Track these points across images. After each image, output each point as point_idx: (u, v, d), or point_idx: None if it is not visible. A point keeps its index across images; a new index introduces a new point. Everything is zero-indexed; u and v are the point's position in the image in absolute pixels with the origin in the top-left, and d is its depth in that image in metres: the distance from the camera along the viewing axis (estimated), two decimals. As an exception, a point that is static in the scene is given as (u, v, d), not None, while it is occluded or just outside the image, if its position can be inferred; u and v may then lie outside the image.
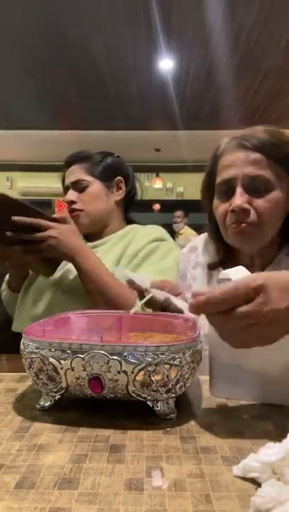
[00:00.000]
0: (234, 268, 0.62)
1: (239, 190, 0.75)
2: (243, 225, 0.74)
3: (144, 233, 1.05)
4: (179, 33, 3.02)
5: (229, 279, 0.57)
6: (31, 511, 0.32)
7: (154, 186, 6.17)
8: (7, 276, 1.12)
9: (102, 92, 4.03)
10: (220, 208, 0.79)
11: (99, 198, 1.06)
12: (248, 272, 0.62)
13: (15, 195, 1.08)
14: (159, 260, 0.98)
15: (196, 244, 0.99)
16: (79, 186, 1.05)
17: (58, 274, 0.98)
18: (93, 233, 1.09)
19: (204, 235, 1.00)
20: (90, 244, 1.05)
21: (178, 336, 0.63)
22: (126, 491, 0.35)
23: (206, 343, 0.58)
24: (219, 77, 3.68)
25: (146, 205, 6.41)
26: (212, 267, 0.91)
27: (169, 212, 6.24)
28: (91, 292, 0.88)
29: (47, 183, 6.65)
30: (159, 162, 5.95)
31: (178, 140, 5.22)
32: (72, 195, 1.05)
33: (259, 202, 0.74)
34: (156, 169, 6.17)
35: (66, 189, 1.08)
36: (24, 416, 0.50)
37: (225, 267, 0.85)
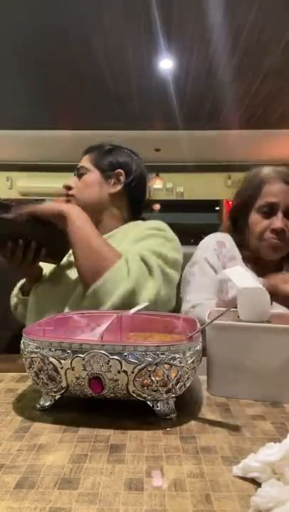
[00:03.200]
0: (233, 268, 0.62)
1: (280, 215, 1.03)
2: (279, 242, 1.02)
3: (145, 224, 1.06)
4: (179, 33, 3.02)
5: (229, 279, 0.57)
6: (31, 511, 0.32)
7: (154, 186, 6.17)
8: (19, 284, 1.12)
9: (102, 92, 4.03)
10: (261, 223, 1.05)
11: (92, 186, 1.06)
12: (247, 272, 0.63)
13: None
14: (157, 245, 0.95)
15: (222, 240, 1.11)
16: (79, 173, 1.09)
17: (65, 260, 1.00)
18: None
19: (222, 234, 1.14)
20: None
21: (178, 336, 0.63)
22: (126, 491, 0.35)
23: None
24: (219, 77, 3.67)
25: (147, 205, 6.40)
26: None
27: (169, 212, 6.24)
28: (74, 246, 0.88)
29: (47, 183, 6.65)
30: (159, 162, 5.94)
31: (178, 140, 5.22)
32: (70, 180, 1.09)
33: None
34: (156, 169, 6.17)
35: None
36: (24, 416, 0.50)
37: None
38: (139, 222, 1.10)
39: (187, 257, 1.12)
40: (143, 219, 1.15)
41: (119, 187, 1.09)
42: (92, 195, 1.06)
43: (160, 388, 0.48)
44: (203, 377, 0.61)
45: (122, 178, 1.09)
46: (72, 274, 0.98)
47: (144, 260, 0.87)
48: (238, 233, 1.12)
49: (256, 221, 1.06)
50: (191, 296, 1.04)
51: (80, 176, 1.08)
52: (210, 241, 1.12)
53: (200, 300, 1.00)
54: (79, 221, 0.88)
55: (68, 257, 1.02)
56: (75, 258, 0.88)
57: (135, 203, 1.14)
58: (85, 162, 1.09)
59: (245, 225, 1.09)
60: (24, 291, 1.09)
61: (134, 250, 0.90)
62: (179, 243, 1.02)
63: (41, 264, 1.02)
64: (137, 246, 0.94)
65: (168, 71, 3.62)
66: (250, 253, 1.08)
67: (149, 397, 0.48)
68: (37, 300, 1.01)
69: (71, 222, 0.87)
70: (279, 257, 1.07)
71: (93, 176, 1.07)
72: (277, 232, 1.02)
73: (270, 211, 1.04)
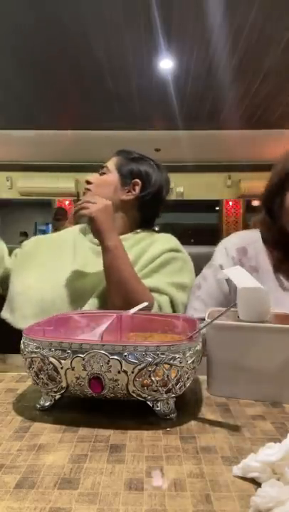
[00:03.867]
0: (232, 268, 0.62)
1: None
2: None
3: (161, 241, 1.08)
4: (179, 33, 3.02)
5: (228, 279, 0.57)
6: (31, 511, 0.32)
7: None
8: None
9: (103, 92, 4.03)
10: None
11: (107, 186, 1.09)
12: (247, 272, 0.63)
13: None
14: (175, 273, 1.02)
15: (244, 246, 0.98)
16: (101, 172, 1.13)
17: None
18: None
19: (250, 234, 1.01)
20: None
21: (178, 336, 0.63)
22: (126, 491, 0.35)
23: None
24: (219, 77, 3.68)
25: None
26: (277, 268, 0.95)
27: (169, 212, 6.24)
28: (109, 281, 0.92)
29: (47, 183, 6.66)
30: (159, 162, 5.94)
31: (178, 140, 5.23)
32: (92, 176, 1.12)
33: None
34: (156, 169, 6.16)
35: None
36: (24, 416, 0.50)
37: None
38: (153, 234, 1.13)
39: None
40: (154, 229, 1.18)
41: (132, 196, 1.11)
42: (106, 195, 1.07)
43: (160, 388, 0.48)
44: (203, 377, 0.61)
45: (138, 189, 1.11)
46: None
47: (172, 302, 0.97)
48: (273, 221, 0.98)
49: None
50: (196, 304, 0.98)
51: (101, 174, 1.12)
52: (230, 247, 1.00)
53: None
54: (117, 251, 0.92)
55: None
56: (107, 284, 0.93)
57: (147, 215, 1.16)
58: (110, 163, 1.13)
59: (281, 208, 0.94)
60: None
61: (162, 286, 0.97)
62: (191, 263, 1.08)
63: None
64: (162, 276, 1.00)
65: (168, 71, 3.62)
66: (283, 250, 0.96)
67: (149, 397, 0.48)
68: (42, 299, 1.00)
69: (108, 250, 0.92)
70: None
71: (111, 177, 1.11)
72: None
73: None
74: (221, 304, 0.94)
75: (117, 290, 0.91)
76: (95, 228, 0.93)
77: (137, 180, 1.11)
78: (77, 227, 1.22)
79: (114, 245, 0.92)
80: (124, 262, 0.92)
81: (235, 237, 1.03)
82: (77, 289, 0.98)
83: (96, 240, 0.99)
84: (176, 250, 1.06)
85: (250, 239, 0.99)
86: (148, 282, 0.96)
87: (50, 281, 1.00)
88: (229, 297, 0.95)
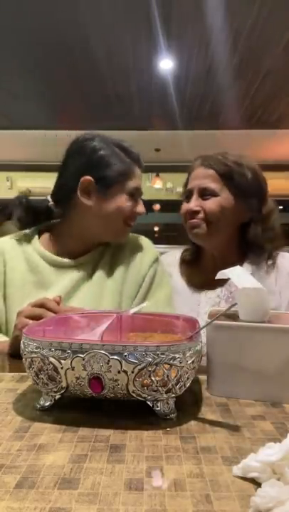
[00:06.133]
0: (232, 268, 0.62)
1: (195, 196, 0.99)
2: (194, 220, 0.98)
3: (145, 252, 0.99)
4: (179, 33, 3.02)
5: (228, 279, 0.57)
6: (31, 511, 0.32)
7: (154, 186, 6.17)
8: None
9: (102, 92, 4.02)
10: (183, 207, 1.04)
11: None
12: (246, 272, 0.63)
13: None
14: (166, 288, 0.97)
15: (169, 271, 1.07)
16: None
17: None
18: None
19: (169, 259, 1.10)
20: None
21: (178, 336, 0.63)
22: (126, 491, 0.35)
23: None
24: (219, 77, 3.67)
25: (146, 205, 6.41)
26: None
27: (169, 212, 6.23)
28: None
29: (47, 183, 6.63)
30: (159, 162, 5.94)
31: (178, 140, 5.22)
32: None
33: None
34: (156, 169, 6.16)
35: None
36: (24, 416, 0.50)
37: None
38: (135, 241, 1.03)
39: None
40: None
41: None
42: None
43: (160, 388, 0.48)
44: (203, 377, 0.61)
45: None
46: None
47: None
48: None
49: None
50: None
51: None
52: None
53: None
54: None
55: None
56: None
57: None
58: None
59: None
60: None
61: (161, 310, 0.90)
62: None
63: None
64: (155, 300, 0.93)
65: (168, 71, 3.62)
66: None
67: (149, 397, 0.48)
68: None
69: None
70: (201, 239, 1.01)
71: None
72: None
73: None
74: None
75: None
76: None
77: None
78: (7, 238, 0.98)
79: None
80: None
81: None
82: None
83: (48, 253, 0.89)
84: (158, 261, 1.00)
85: (166, 258, 1.11)
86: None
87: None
88: None
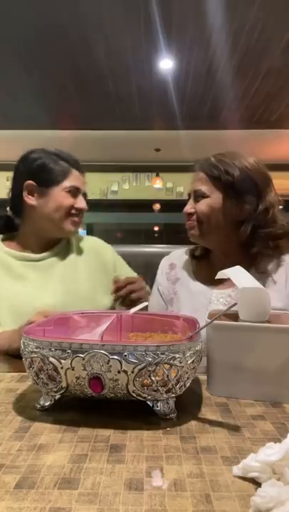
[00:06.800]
0: (232, 268, 0.62)
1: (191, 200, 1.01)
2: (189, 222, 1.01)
3: (106, 248, 1.17)
4: (179, 33, 3.02)
5: (228, 278, 0.57)
6: (31, 511, 0.32)
7: (154, 186, 6.17)
8: None
9: (102, 91, 4.02)
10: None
11: None
12: (246, 272, 0.63)
13: None
14: (122, 266, 1.17)
15: (173, 262, 1.12)
16: None
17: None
18: None
19: (179, 252, 1.15)
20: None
21: (178, 336, 0.63)
22: (126, 491, 0.35)
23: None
24: (219, 77, 3.67)
25: (147, 205, 6.42)
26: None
27: (169, 212, 6.23)
28: None
29: (47, 183, 6.63)
30: (159, 162, 5.93)
31: (178, 140, 5.22)
32: None
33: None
34: (156, 169, 6.16)
35: None
36: (24, 416, 0.50)
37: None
38: (88, 238, 1.19)
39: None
40: None
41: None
42: None
43: (160, 388, 0.48)
44: (203, 377, 0.61)
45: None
46: None
47: None
48: None
49: None
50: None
51: None
52: (164, 264, 1.14)
53: None
54: None
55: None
56: None
57: None
58: None
59: None
60: None
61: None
62: None
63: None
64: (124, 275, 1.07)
65: (168, 71, 3.62)
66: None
67: (149, 397, 0.48)
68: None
69: None
70: (197, 240, 1.04)
71: None
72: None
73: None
74: None
75: None
76: None
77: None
78: None
79: None
80: None
81: (168, 256, 1.17)
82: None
83: (18, 253, 1.02)
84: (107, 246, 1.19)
85: (178, 256, 1.14)
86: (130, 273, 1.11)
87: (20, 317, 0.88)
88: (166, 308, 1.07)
